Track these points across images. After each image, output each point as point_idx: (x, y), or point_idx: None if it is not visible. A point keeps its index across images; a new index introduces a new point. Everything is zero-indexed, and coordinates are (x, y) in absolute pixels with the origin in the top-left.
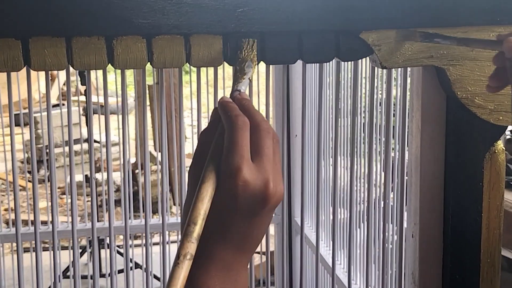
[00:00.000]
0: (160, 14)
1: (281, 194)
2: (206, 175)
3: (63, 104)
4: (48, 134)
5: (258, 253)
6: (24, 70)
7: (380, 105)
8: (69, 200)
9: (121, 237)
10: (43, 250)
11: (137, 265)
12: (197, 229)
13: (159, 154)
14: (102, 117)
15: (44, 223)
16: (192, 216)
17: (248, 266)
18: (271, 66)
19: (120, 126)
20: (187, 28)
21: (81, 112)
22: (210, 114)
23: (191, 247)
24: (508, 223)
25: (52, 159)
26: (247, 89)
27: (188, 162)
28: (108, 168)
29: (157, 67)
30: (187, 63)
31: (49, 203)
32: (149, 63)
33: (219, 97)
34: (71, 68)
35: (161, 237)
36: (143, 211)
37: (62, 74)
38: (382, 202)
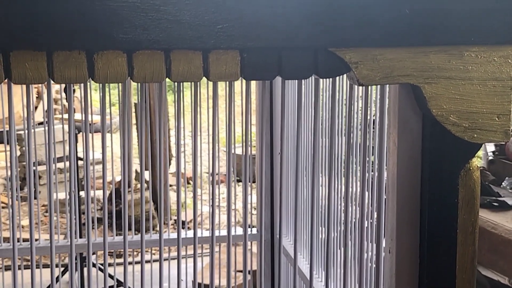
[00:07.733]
0: (140, 29)
1: None
2: None
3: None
4: (29, 152)
5: (241, 271)
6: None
7: (359, 123)
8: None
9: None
10: (24, 268)
11: (120, 283)
12: None
13: (145, 172)
14: (89, 135)
15: (26, 240)
16: None
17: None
18: (255, 85)
19: (108, 144)
20: (167, 43)
21: (67, 129)
22: (195, 132)
23: None
24: (491, 243)
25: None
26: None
27: (172, 180)
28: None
29: (137, 81)
30: (168, 78)
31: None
32: (129, 77)
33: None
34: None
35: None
36: (130, 229)
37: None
38: (360, 218)
